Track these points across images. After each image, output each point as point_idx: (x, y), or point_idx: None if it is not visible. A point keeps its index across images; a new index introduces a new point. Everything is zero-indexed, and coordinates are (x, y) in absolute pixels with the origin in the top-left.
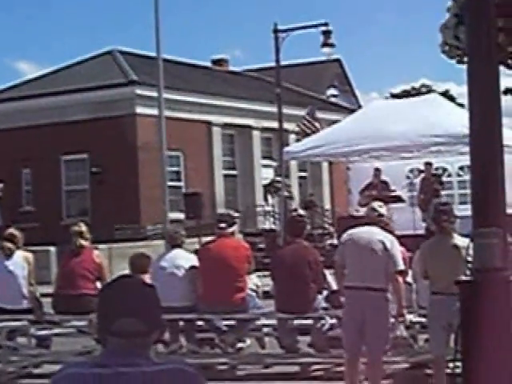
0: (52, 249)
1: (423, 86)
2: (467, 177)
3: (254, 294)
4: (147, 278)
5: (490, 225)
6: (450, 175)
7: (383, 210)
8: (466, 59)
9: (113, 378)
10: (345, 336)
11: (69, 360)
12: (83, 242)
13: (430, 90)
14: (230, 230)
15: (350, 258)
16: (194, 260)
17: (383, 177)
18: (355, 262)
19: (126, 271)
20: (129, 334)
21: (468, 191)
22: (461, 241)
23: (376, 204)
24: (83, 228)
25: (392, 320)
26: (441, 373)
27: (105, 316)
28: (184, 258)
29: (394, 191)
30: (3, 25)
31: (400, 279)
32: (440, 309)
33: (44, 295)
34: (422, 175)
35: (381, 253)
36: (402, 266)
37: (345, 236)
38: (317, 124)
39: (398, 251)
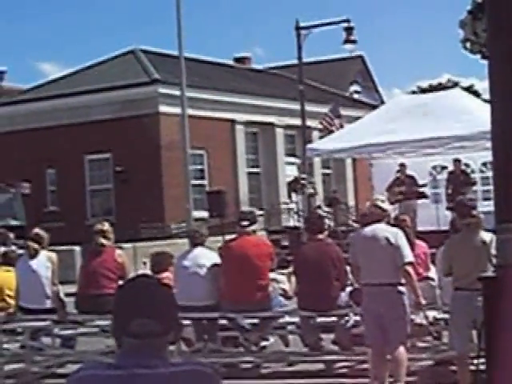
0: (77, 248)
1: (449, 81)
2: (490, 173)
3: (277, 291)
4: (169, 276)
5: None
6: (473, 171)
7: (386, 206)
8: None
9: (129, 379)
10: (366, 332)
11: (92, 359)
12: (104, 241)
13: (455, 85)
14: (252, 227)
15: (360, 257)
16: (216, 258)
17: (409, 172)
18: (366, 261)
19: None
20: (144, 335)
21: (491, 187)
22: (488, 237)
23: (379, 200)
24: (105, 227)
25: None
26: (465, 370)
27: (120, 316)
28: (206, 257)
29: (422, 186)
30: (26, 26)
31: (411, 271)
32: (464, 305)
33: (69, 295)
34: (449, 170)
35: (387, 248)
36: (410, 258)
37: (352, 237)
38: (336, 121)
39: (405, 243)
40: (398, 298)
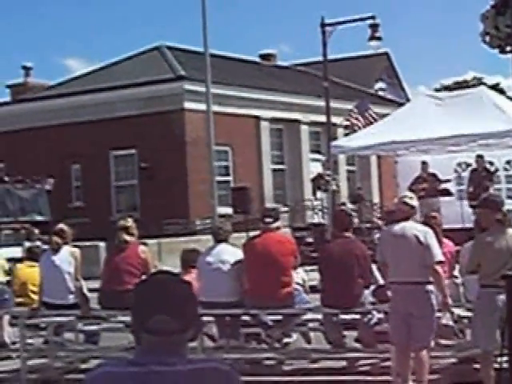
0: (101, 244)
1: (474, 78)
2: None
3: (300, 288)
4: (194, 274)
5: None
6: (497, 169)
7: (414, 202)
8: (508, 49)
9: (147, 376)
10: (392, 330)
11: (115, 355)
12: (128, 237)
13: (480, 83)
14: (275, 224)
15: (388, 255)
16: (239, 255)
17: (431, 170)
18: (394, 259)
19: (176, 266)
20: (163, 332)
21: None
22: None
23: (407, 197)
24: (129, 223)
25: (437, 311)
26: (489, 368)
27: (139, 313)
28: (229, 253)
29: (445, 182)
30: (52, 22)
31: (440, 270)
32: (491, 302)
33: (93, 290)
34: (472, 167)
35: (416, 246)
36: (440, 257)
37: (380, 235)
38: (361, 117)
39: (434, 242)
40: (426, 297)
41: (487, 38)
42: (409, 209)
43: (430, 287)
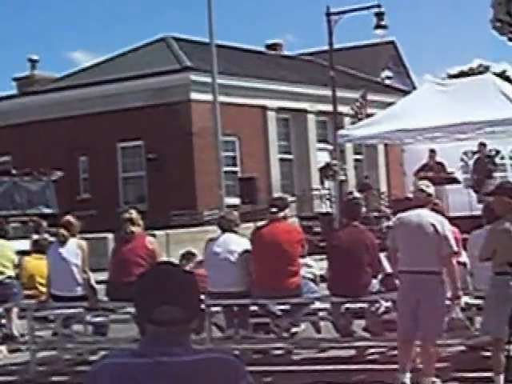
0: (109, 236)
1: (480, 66)
2: None
3: (309, 276)
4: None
5: None
6: (502, 158)
7: (431, 190)
8: None
9: (152, 367)
10: (399, 319)
11: (123, 346)
12: (133, 229)
13: (486, 71)
14: (282, 213)
15: (402, 242)
16: (246, 244)
17: (438, 158)
18: (407, 247)
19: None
20: (169, 322)
21: None
22: None
23: (424, 184)
24: (133, 215)
25: (448, 302)
26: (499, 355)
27: (144, 303)
28: (236, 243)
29: (450, 173)
30: (57, 15)
31: (454, 261)
32: (506, 290)
33: (101, 282)
34: (477, 156)
35: (432, 236)
36: (455, 248)
37: (395, 220)
38: (366, 109)
39: (450, 233)
40: (438, 287)
41: (498, 24)
42: (425, 196)
43: (443, 277)
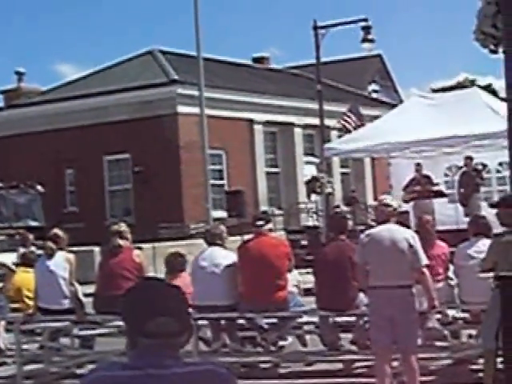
0: (96, 249)
1: (466, 80)
2: (506, 173)
3: (296, 291)
4: (184, 277)
5: None
6: (489, 171)
7: (396, 204)
8: (500, 49)
9: (143, 379)
10: (374, 336)
11: (110, 360)
12: (121, 242)
13: (472, 84)
14: (267, 227)
15: (374, 258)
16: (232, 258)
17: (425, 172)
18: (380, 262)
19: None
20: (162, 334)
21: (507, 187)
22: None
23: (387, 199)
24: (122, 228)
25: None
26: (489, 367)
27: (136, 317)
28: (222, 256)
29: (437, 185)
30: (44, 27)
31: (427, 273)
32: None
33: (88, 295)
34: (463, 169)
35: (406, 250)
36: (426, 260)
37: (364, 237)
38: (355, 119)
39: (419, 246)
40: (412, 300)
41: (481, 37)
42: (390, 210)
43: (414, 291)
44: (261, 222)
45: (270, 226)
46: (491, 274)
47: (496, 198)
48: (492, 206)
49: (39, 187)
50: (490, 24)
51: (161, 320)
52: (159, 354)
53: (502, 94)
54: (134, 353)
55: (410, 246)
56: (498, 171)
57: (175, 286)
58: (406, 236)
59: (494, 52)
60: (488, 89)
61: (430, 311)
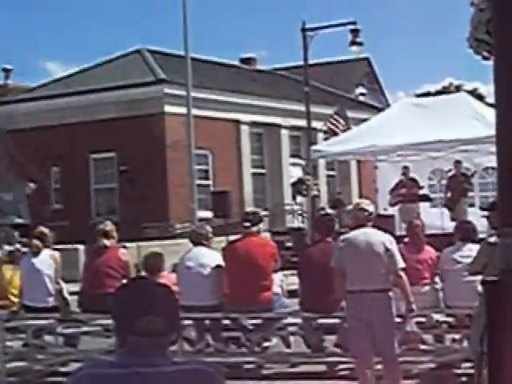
0: (81, 247)
1: (450, 84)
2: (490, 179)
3: (281, 292)
4: (163, 277)
5: None
6: (474, 172)
7: (371, 209)
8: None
9: (131, 378)
10: (353, 340)
11: (94, 358)
12: (106, 242)
13: (458, 89)
14: (255, 228)
15: (351, 262)
16: (218, 258)
17: (411, 175)
18: (358, 267)
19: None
20: (151, 333)
21: (489, 193)
22: None
23: (364, 203)
24: (108, 227)
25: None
26: (477, 372)
27: (125, 315)
28: (208, 257)
29: (422, 188)
30: (31, 25)
31: (405, 276)
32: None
33: (73, 293)
34: (450, 173)
35: (383, 254)
36: (403, 264)
37: (340, 241)
38: (342, 122)
39: (396, 249)
40: (389, 304)
41: (474, 44)
42: (367, 215)
43: (391, 294)
44: (248, 224)
45: (259, 226)
46: (479, 278)
47: (478, 203)
48: (484, 209)
49: (31, 185)
50: (484, 31)
51: (150, 318)
52: (148, 353)
53: (489, 99)
54: (122, 351)
55: (387, 249)
56: (483, 177)
57: (165, 285)
58: (382, 239)
59: (487, 59)
60: (474, 93)
61: (407, 315)
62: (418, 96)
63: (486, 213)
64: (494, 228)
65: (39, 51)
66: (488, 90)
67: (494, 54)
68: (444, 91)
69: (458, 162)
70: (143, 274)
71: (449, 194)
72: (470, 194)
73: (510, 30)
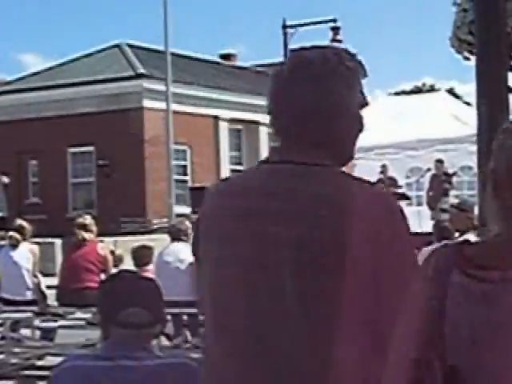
0: (57, 241)
1: (423, 85)
2: (466, 177)
3: None
4: (149, 270)
5: None
6: (455, 172)
7: None
8: (474, 56)
9: (115, 370)
10: None
11: (72, 352)
12: (85, 235)
13: (432, 89)
14: None
15: None
16: None
17: (390, 174)
18: None
19: (131, 264)
20: (135, 325)
21: (464, 192)
22: None
23: None
24: (87, 221)
25: None
26: None
27: (110, 307)
28: (187, 252)
29: (400, 187)
30: (9, 16)
31: None
32: None
33: (49, 287)
34: (431, 172)
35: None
36: None
37: None
38: None
39: None
40: None
41: (456, 44)
42: None
43: None
44: None
45: None
46: None
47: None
48: (444, 210)
49: (4, 178)
50: (467, 31)
51: (133, 310)
52: (131, 346)
53: (466, 99)
54: (106, 343)
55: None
56: (458, 176)
57: (150, 278)
58: None
59: (468, 59)
60: (450, 92)
61: None
62: (397, 94)
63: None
64: (456, 230)
65: (17, 43)
66: (464, 89)
67: (475, 55)
68: (419, 90)
69: (439, 162)
70: (123, 267)
71: (431, 193)
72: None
73: (491, 31)
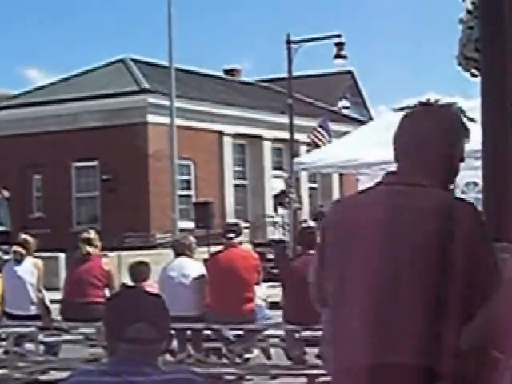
0: (61, 255)
1: (428, 100)
2: (472, 194)
3: (263, 304)
4: (148, 286)
5: (502, 239)
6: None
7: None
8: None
9: None
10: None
11: (76, 367)
12: (90, 250)
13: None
14: (238, 239)
15: None
16: (201, 269)
17: None
18: None
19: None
20: (142, 341)
21: None
22: None
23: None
24: (92, 235)
25: None
26: None
27: (116, 323)
28: (191, 267)
29: None
30: (14, 31)
31: None
32: None
33: (53, 301)
34: None
35: None
36: None
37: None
38: (326, 134)
39: None
40: None
41: (463, 61)
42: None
43: None
44: (232, 235)
45: (241, 238)
46: None
47: None
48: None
49: (5, 192)
50: (473, 48)
51: (140, 326)
52: (138, 361)
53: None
54: (113, 359)
55: None
56: (464, 192)
57: (156, 294)
58: None
59: (475, 76)
60: None
61: None
62: (401, 110)
63: None
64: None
65: (22, 58)
66: (468, 104)
67: (480, 72)
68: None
69: None
70: (125, 282)
71: None
72: None
73: (496, 47)
